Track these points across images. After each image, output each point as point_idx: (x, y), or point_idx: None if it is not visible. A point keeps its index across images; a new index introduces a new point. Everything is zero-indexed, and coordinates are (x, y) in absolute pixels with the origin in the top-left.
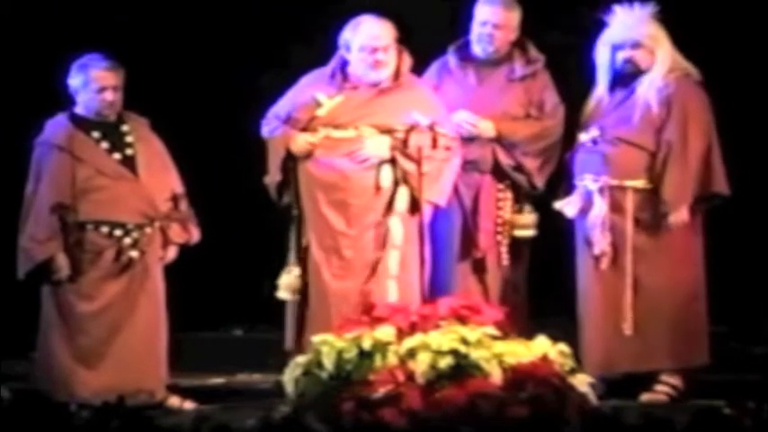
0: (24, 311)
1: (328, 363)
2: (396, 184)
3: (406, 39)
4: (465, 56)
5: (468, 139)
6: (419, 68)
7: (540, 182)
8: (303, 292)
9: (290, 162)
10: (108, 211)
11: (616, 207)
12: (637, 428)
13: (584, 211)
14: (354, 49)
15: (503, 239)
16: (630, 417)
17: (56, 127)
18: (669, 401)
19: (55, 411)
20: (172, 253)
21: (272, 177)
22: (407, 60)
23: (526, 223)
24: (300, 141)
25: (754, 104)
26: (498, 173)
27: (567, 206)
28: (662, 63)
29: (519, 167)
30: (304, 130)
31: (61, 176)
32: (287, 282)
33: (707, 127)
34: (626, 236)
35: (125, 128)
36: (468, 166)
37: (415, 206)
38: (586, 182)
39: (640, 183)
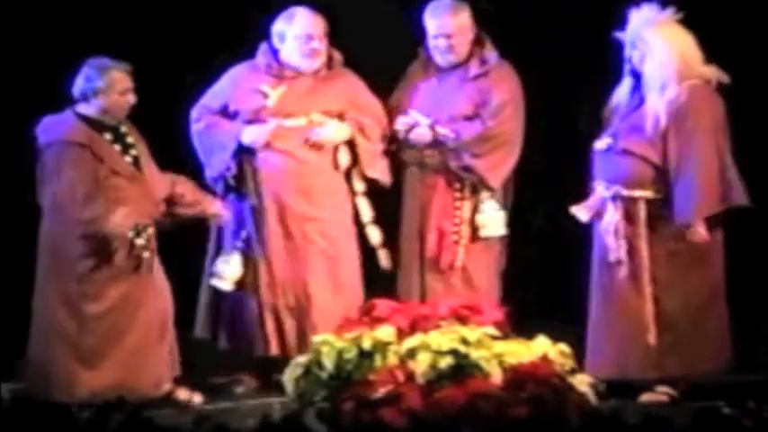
0: (24, 311)
1: (328, 363)
2: (351, 165)
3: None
4: (431, 56)
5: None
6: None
7: (494, 182)
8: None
9: (242, 154)
10: None
11: (629, 216)
12: (637, 428)
13: (600, 216)
14: (289, 39)
15: (459, 239)
16: (630, 417)
17: (70, 126)
18: (669, 401)
19: (55, 411)
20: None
21: (218, 169)
22: (335, 51)
23: (485, 223)
24: (253, 133)
25: None
26: (454, 173)
27: (581, 211)
28: (659, 70)
29: (468, 169)
30: (249, 122)
31: (88, 173)
32: (231, 271)
33: (719, 140)
34: (640, 245)
35: (124, 129)
36: (424, 167)
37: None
38: (600, 188)
39: (650, 193)
